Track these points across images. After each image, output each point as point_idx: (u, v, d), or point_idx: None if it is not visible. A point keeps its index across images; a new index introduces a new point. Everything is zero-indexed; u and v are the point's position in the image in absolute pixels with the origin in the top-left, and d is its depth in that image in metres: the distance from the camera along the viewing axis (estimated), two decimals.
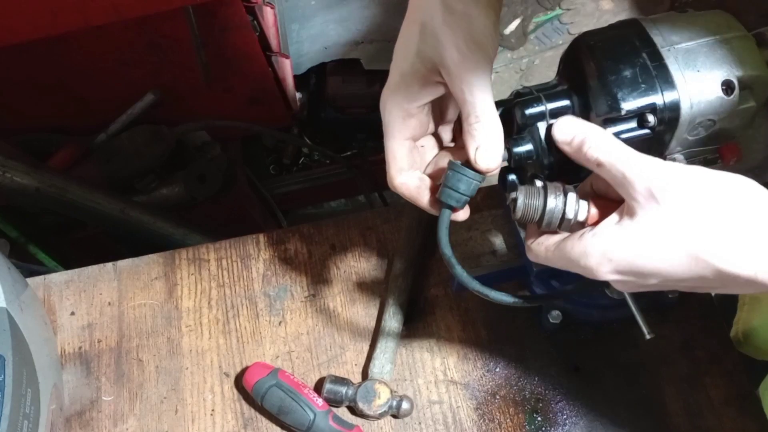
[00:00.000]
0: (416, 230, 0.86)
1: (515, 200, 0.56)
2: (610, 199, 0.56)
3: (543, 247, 0.56)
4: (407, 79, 0.57)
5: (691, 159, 0.62)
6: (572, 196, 0.55)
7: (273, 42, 1.30)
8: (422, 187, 0.59)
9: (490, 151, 0.55)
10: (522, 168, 0.63)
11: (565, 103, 0.60)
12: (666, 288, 0.53)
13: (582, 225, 0.55)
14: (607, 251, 0.51)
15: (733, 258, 0.48)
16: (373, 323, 0.84)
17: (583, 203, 0.55)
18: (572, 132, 0.55)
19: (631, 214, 0.51)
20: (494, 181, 0.67)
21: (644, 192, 0.50)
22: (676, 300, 0.79)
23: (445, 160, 0.59)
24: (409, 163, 0.59)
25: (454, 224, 0.58)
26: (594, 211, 0.56)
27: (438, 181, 0.59)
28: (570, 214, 0.55)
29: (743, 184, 0.50)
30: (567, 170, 0.62)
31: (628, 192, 0.51)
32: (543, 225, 0.55)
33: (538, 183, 0.57)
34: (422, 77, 0.56)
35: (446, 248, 0.57)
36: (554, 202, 0.55)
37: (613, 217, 0.53)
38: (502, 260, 0.80)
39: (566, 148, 0.55)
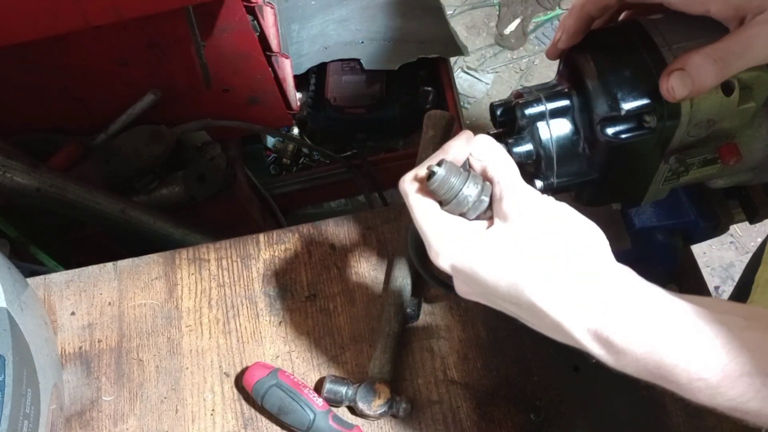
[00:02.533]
0: (416, 230, 0.86)
1: (440, 166, 0.54)
2: None
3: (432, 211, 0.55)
4: None
5: (691, 159, 0.62)
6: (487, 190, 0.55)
7: (273, 42, 1.29)
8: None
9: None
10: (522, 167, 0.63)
11: (565, 103, 0.60)
12: (494, 305, 0.54)
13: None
14: (455, 240, 0.53)
15: (546, 297, 0.48)
16: (373, 323, 0.84)
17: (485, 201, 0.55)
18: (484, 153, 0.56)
19: (490, 225, 0.53)
20: None
21: (504, 211, 0.52)
22: None
23: None
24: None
25: None
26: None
27: None
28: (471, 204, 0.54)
29: (589, 233, 0.51)
30: (567, 171, 0.62)
31: (496, 208, 0.53)
32: (450, 205, 0.55)
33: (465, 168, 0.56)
34: None
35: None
36: (471, 189, 0.54)
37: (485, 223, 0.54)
38: None
39: (475, 164, 0.56)
